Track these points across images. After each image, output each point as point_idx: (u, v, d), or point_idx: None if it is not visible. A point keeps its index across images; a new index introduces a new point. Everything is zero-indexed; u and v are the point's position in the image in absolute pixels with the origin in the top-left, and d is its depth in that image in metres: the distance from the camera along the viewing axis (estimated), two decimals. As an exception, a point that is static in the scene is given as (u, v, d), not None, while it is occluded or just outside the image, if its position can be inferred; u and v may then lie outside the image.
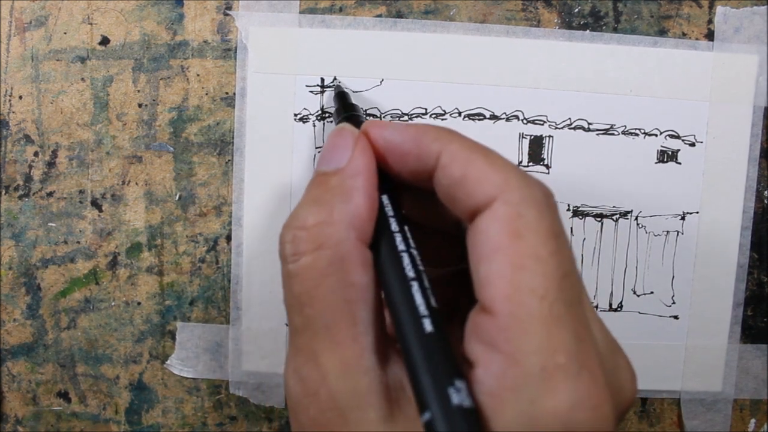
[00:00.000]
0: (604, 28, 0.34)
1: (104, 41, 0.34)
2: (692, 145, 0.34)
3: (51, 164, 0.34)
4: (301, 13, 0.33)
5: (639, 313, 0.35)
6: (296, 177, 0.34)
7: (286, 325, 0.34)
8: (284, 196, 0.34)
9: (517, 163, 0.34)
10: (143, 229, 0.34)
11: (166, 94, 0.34)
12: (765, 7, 0.34)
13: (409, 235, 0.20)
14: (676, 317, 0.35)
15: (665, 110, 0.34)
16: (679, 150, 0.34)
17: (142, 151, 0.34)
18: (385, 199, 0.21)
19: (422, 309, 0.18)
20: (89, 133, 0.34)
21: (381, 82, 0.34)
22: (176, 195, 0.34)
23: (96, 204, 0.34)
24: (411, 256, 0.19)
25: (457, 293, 0.22)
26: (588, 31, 0.34)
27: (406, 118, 0.34)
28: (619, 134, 0.34)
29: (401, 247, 0.19)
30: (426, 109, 0.34)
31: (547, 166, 0.34)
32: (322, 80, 0.33)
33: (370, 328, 0.19)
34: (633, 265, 0.35)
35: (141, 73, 0.34)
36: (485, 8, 0.34)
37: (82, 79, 0.34)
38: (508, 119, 0.34)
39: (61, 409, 0.36)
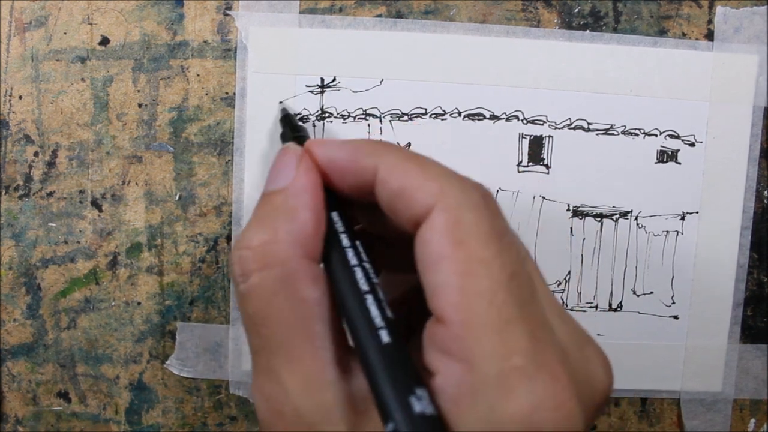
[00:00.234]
0: (604, 28, 0.34)
1: (104, 41, 0.34)
2: (692, 145, 0.34)
3: (51, 164, 0.34)
4: (301, 13, 0.33)
5: (639, 313, 0.35)
6: (296, 177, 0.34)
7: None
8: (284, 196, 0.34)
9: (516, 163, 0.34)
10: (143, 229, 0.34)
11: (166, 94, 0.34)
12: (765, 7, 0.34)
13: (361, 249, 0.20)
14: (675, 317, 0.35)
15: (665, 110, 0.34)
16: (679, 150, 0.34)
17: (142, 151, 0.34)
18: (335, 215, 0.21)
19: (378, 321, 0.18)
20: (89, 133, 0.34)
21: (381, 82, 0.34)
22: (176, 195, 0.34)
23: (96, 204, 0.34)
24: (364, 269, 0.19)
25: (418, 303, 0.22)
26: (588, 31, 0.34)
27: (406, 118, 0.34)
28: (619, 134, 0.34)
29: (353, 261, 0.20)
30: (426, 109, 0.34)
31: (547, 166, 0.34)
32: (322, 80, 0.34)
33: (327, 342, 0.19)
34: (633, 265, 0.35)
35: (141, 73, 0.34)
36: (485, 8, 0.34)
37: (82, 79, 0.34)
38: (508, 119, 0.34)
39: (61, 409, 0.36)
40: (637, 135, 0.34)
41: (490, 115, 0.34)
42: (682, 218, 0.35)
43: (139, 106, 0.34)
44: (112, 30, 0.34)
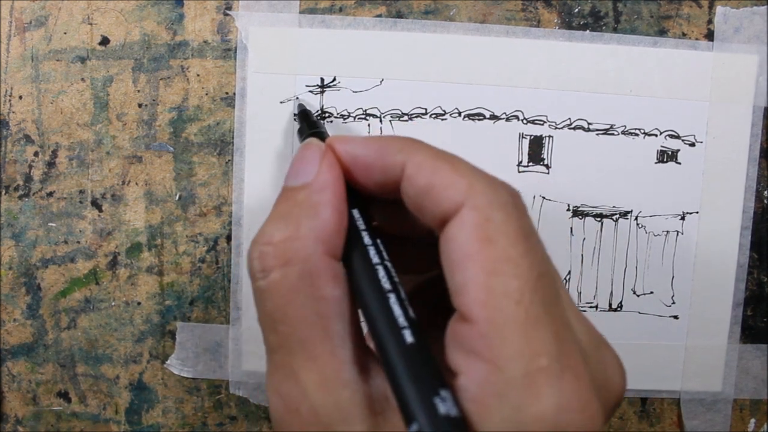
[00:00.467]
0: (604, 28, 0.34)
1: (104, 41, 0.34)
2: (692, 145, 0.34)
3: (51, 164, 0.34)
4: (301, 13, 0.33)
5: (639, 313, 0.35)
6: (296, 177, 0.34)
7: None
8: (284, 196, 0.34)
9: (516, 162, 0.34)
10: (143, 229, 0.34)
11: (166, 94, 0.34)
12: (765, 7, 0.34)
13: (382, 247, 0.20)
14: (676, 317, 0.35)
15: (665, 110, 0.34)
16: (679, 150, 0.34)
17: (142, 151, 0.34)
18: (355, 213, 0.21)
19: (401, 320, 0.18)
20: (89, 133, 0.34)
21: (381, 82, 0.34)
22: (176, 195, 0.34)
23: (96, 204, 0.34)
24: (386, 268, 0.19)
25: (433, 301, 0.22)
26: (588, 31, 0.34)
27: (406, 118, 0.34)
28: (619, 134, 0.34)
29: (375, 260, 0.19)
30: (426, 109, 0.34)
31: (547, 166, 0.34)
32: (322, 80, 0.33)
33: (346, 341, 0.19)
34: (633, 265, 0.35)
35: (141, 73, 0.34)
36: (485, 8, 0.34)
37: (82, 79, 0.34)
38: (508, 119, 0.34)
39: (61, 409, 0.36)
40: (637, 135, 0.34)
41: (490, 115, 0.34)
42: (682, 218, 0.35)
43: (139, 106, 0.34)
44: (112, 30, 0.34)
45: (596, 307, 0.35)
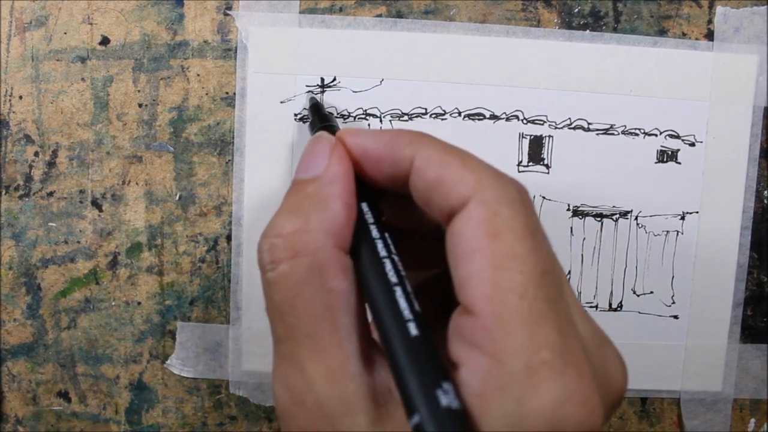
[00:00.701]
0: (604, 28, 0.34)
1: (104, 41, 0.34)
2: (692, 145, 0.34)
3: (51, 164, 0.34)
4: (301, 13, 0.33)
5: (639, 312, 0.35)
6: (296, 177, 0.34)
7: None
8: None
9: (516, 162, 0.34)
10: (143, 229, 0.34)
11: (166, 94, 0.34)
12: (765, 7, 0.34)
13: (389, 241, 0.20)
14: (675, 317, 0.35)
15: (665, 110, 0.34)
16: (678, 150, 0.34)
17: (142, 151, 0.34)
18: (364, 206, 0.21)
19: (407, 313, 0.18)
20: (89, 133, 0.34)
21: (381, 82, 0.34)
22: (176, 195, 0.34)
23: (96, 204, 0.34)
24: (393, 261, 0.19)
25: (440, 297, 0.22)
26: (588, 31, 0.34)
27: (406, 118, 0.34)
28: (619, 134, 0.34)
29: (383, 253, 0.20)
30: (426, 109, 0.34)
31: (547, 166, 0.34)
32: (322, 80, 0.34)
33: (353, 334, 0.19)
34: (633, 265, 0.35)
35: (141, 73, 0.34)
36: (485, 8, 0.34)
37: (82, 79, 0.34)
38: (508, 119, 0.34)
39: (61, 409, 0.36)
40: (637, 135, 0.34)
41: (490, 115, 0.34)
42: (682, 218, 0.35)
43: (139, 106, 0.34)
44: (112, 30, 0.34)
45: (596, 306, 0.35)
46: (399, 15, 0.34)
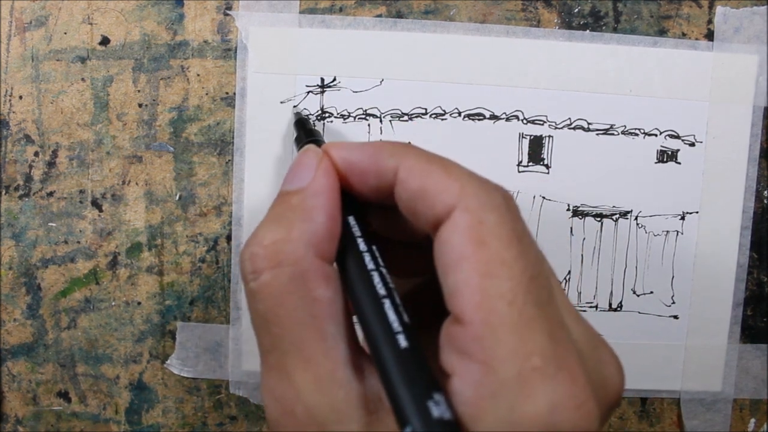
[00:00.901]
0: (604, 28, 0.34)
1: (104, 41, 0.34)
2: (692, 145, 0.34)
3: (51, 164, 0.34)
4: (301, 13, 0.33)
5: (639, 313, 0.35)
6: (296, 177, 0.34)
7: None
8: (284, 196, 0.34)
9: (516, 162, 0.34)
10: (143, 229, 0.34)
11: (166, 94, 0.34)
12: (765, 7, 0.34)
13: (377, 253, 0.20)
14: (675, 317, 0.35)
15: (665, 110, 0.34)
16: (678, 150, 0.34)
17: (142, 151, 0.34)
18: (351, 219, 0.21)
19: (396, 325, 0.18)
20: (89, 133, 0.34)
21: (381, 82, 0.34)
22: (176, 195, 0.34)
23: (96, 204, 0.34)
24: (381, 274, 0.19)
25: (429, 304, 0.22)
26: (588, 31, 0.34)
27: (406, 118, 0.34)
28: (619, 134, 0.34)
29: (370, 266, 0.20)
30: (426, 109, 0.34)
31: (547, 166, 0.34)
32: (322, 80, 0.34)
33: (339, 342, 0.19)
34: (633, 265, 0.35)
35: (141, 73, 0.34)
36: (485, 8, 0.34)
37: (82, 79, 0.34)
38: (508, 119, 0.34)
39: (61, 409, 0.36)
40: (637, 135, 0.34)
41: (490, 115, 0.34)
42: (682, 218, 0.35)
43: (139, 106, 0.34)
44: (112, 30, 0.34)
45: (596, 307, 0.35)
46: (399, 15, 0.34)
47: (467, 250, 0.17)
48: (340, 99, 0.34)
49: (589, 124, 0.34)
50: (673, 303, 0.35)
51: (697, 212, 0.35)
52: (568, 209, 0.35)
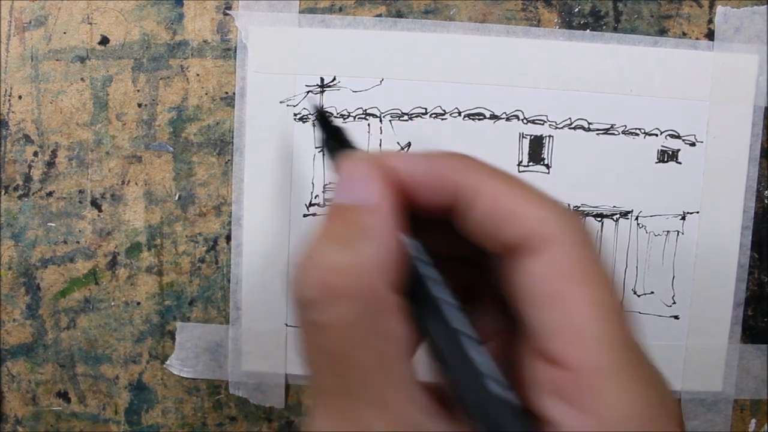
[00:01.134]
0: (604, 27, 0.34)
1: (104, 41, 0.34)
2: (692, 144, 0.34)
3: (51, 164, 0.34)
4: (301, 12, 0.33)
5: (639, 313, 0.35)
6: (296, 177, 0.34)
7: (287, 325, 0.34)
8: (284, 197, 0.34)
9: (517, 162, 0.34)
10: (143, 229, 0.34)
11: (166, 93, 0.34)
12: (765, 7, 0.34)
13: (447, 283, 0.18)
14: (676, 317, 0.35)
15: (665, 110, 0.34)
16: (679, 150, 0.34)
17: (141, 151, 0.34)
18: (416, 243, 0.19)
19: (485, 368, 0.17)
20: (89, 133, 0.34)
21: (381, 81, 0.33)
22: (176, 195, 0.34)
23: (96, 204, 0.34)
24: (456, 307, 0.18)
25: (468, 279, 0.21)
26: (588, 30, 0.34)
27: (406, 117, 0.34)
28: (619, 134, 0.34)
29: (445, 298, 0.18)
30: (426, 109, 0.34)
31: (547, 166, 0.34)
32: (322, 80, 0.33)
33: (415, 384, 0.17)
34: (633, 265, 0.35)
35: (141, 72, 0.34)
36: (485, 8, 0.34)
37: (82, 79, 0.34)
38: (508, 119, 0.34)
39: (60, 409, 0.36)
40: (637, 135, 0.34)
41: (490, 115, 0.34)
42: (683, 218, 0.35)
43: (139, 105, 0.34)
44: (112, 30, 0.34)
45: (596, 307, 0.35)
46: (399, 15, 0.34)
47: (566, 289, 0.17)
48: (340, 99, 0.34)
49: (589, 123, 0.34)
50: (674, 303, 0.35)
51: (697, 212, 0.35)
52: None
